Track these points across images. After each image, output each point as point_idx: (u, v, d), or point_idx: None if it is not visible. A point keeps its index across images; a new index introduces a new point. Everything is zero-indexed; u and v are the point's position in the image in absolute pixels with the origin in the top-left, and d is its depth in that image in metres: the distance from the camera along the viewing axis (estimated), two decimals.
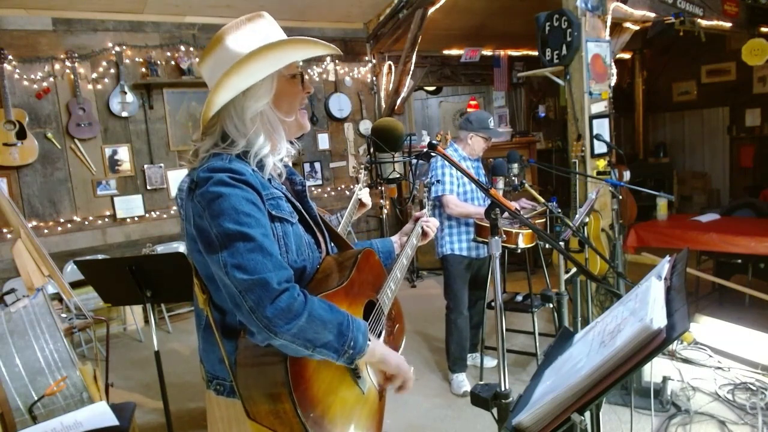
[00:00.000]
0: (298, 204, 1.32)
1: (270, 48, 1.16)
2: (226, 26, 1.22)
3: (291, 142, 1.34)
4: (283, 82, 1.24)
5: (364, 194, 2.48)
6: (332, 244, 1.43)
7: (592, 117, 3.63)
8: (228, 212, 1.09)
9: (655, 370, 3.15)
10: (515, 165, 3.19)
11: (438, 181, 3.24)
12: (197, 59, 5.25)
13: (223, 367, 1.23)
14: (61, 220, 4.80)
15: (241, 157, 1.20)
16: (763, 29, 5.39)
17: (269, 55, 1.16)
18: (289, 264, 1.19)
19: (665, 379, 3.00)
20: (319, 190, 6.22)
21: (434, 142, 1.46)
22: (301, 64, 1.30)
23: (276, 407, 1.10)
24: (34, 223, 4.63)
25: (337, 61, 6.15)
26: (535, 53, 3.90)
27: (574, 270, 2.81)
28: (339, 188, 6.36)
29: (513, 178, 3.19)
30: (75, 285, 3.08)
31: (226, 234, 1.08)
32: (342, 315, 1.13)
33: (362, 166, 2.78)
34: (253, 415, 1.15)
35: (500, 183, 3.17)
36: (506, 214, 1.38)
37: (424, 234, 1.75)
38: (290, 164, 1.40)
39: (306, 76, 1.32)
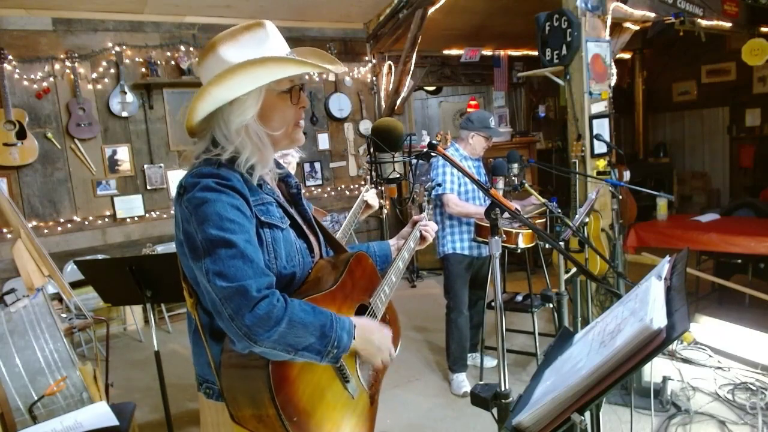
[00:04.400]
0: (290, 209, 1.31)
1: (253, 64, 1.14)
2: (223, 33, 1.19)
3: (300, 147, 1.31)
4: (272, 97, 1.21)
5: (369, 196, 2.45)
6: (327, 248, 1.42)
7: (592, 117, 3.63)
8: (212, 218, 1.09)
9: (655, 370, 3.15)
10: (515, 165, 3.19)
11: (438, 185, 3.24)
12: (197, 59, 5.25)
13: (211, 370, 1.22)
14: (61, 220, 4.79)
15: (230, 163, 1.19)
16: (763, 29, 5.39)
17: (252, 71, 1.14)
18: (278, 270, 1.18)
19: (665, 379, 3.00)
20: (319, 190, 6.22)
21: (434, 142, 1.46)
22: (300, 78, 1.25)
23: (259, 411, 1.08)
24: (34, 223, 4.63)
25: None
26: (535, 53, 3.90)
27: (574, 270, 2.81)
28: (339, 188, 6.36)
29: (513, 178, 3.19)
30: (75, 285, 3.08)
31: (209, 240, 1.08)
32: (325, 316, 1.11)
33: (370, 167, 2.72)
34: (237, 418, 1.14)
35: (500, 183, 3.18)
36: (506, 214, 1.38)
37: (423, 238, 1.73)
38: (294, 167, 1.39)
39: (302, 91, 1.26)
